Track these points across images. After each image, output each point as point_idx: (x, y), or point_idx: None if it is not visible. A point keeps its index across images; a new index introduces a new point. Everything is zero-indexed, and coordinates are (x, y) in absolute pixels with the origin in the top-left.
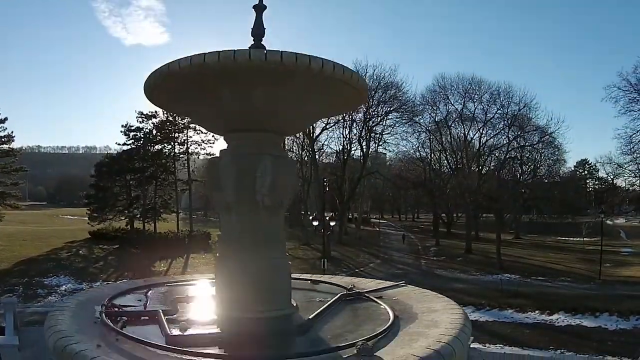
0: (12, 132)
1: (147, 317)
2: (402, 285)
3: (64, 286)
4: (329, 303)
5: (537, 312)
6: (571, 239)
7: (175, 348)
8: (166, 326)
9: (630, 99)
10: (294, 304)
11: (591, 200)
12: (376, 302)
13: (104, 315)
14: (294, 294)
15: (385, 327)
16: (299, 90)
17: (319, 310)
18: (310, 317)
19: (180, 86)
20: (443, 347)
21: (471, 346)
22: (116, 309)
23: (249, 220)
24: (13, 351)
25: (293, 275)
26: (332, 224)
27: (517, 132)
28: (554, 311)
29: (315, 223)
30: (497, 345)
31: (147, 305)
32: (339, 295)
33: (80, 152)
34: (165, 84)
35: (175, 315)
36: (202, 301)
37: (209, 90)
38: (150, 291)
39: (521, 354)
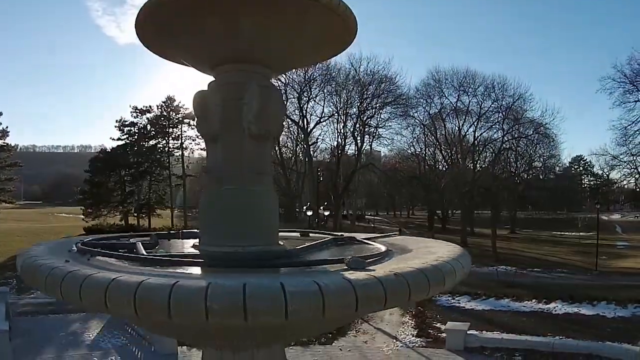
0: (7, 127)
1: (125, 250)
2: (395, 235)
3: None
4: (318, 241)
5: (534, 300)
6: (567, 233)
7: (148, 257)
8: (142, 249)
9: (625, 90)
10: (281, 244)
11: (586, 197)
12: (368, 243)
13: (79, 244)
14: (282, 242)
15: (378, 252)
16: (286, 17)
17: (306, 245)
18: (296, 248)
19: (170, 17)
20: (441, 264)
21: (468, 332)
22: (94, 243)
23: (234, 150)
24: (4, 337)
25: (281, 230)
26: (326, 213)
27: (511, 124)
28: (551, 300)
29: (309, 213)
30: (495, 332)
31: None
32: (330, 238)
33: (75, 151)
34: (155, 17)
35: (154, 249)
36: (186, 240)
37: (198, 20)
38: (134, 239)
39: (519, 339)
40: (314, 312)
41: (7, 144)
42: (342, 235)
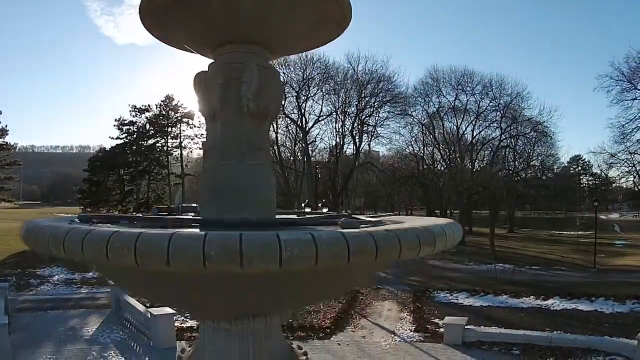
0: (6, 126)
1: (126, 221)
2: (391, 215)
3: (57, 276)
4: (314, 215)
5: (532, 297)
6: (565, 232)
7: (148, 217)
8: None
9: (622, 89)
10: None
11: (585, 196)
12: (364, 220)
13: (81, 215)
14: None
15: (372, 220)
16: None
17: (302, 217)
18: (293, 216)
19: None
20: (432, 226)
21: (466, 327)
22: (96, 215)
23: (233, 127)
24: (3, 331)
25: (278, 212)
26: (324, 211)
27: (509, 123)
28: (550, 296)
29: (307, 210)
30: (493, 327)
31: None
32: (326, 215)
33: (74, 151)
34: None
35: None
36: (185, 214)
37: (200, 1)
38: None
39: (516, 333)
40: (307, 261)
41: (6, 142)
42: (337, 213)
